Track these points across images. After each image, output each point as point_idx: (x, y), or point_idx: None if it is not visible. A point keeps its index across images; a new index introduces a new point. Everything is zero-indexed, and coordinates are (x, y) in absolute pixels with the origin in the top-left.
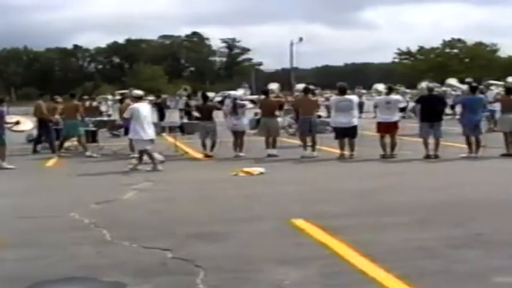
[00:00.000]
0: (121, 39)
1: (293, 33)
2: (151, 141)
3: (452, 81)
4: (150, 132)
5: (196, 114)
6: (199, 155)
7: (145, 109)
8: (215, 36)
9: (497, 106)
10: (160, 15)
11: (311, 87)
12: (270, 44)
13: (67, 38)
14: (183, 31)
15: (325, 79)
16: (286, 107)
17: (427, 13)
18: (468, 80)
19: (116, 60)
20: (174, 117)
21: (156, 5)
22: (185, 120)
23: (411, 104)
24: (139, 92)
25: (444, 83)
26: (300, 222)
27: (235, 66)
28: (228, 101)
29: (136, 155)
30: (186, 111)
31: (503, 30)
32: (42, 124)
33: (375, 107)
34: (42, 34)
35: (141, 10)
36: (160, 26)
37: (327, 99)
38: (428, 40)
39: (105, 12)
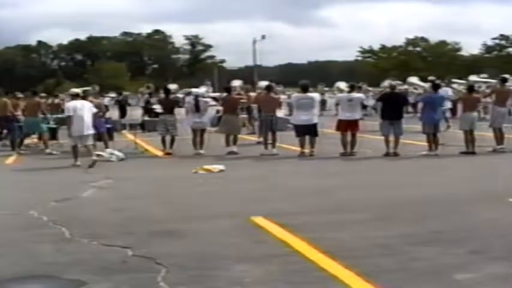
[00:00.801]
0: (82, 36)
1: (254, 31)
2: (82, 137)
3: (413, 79)
4: (79, 129)
5: (158, 109)
6: (159, 153)
7: (79, 106)
8: (177, 33)
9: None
10: (121, 12)
11: (273, 85)
12: (232, 41)
13: (28, 35)
14: (144, 29)
15: (288, 77)
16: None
17: (384, 12)
18: (431, 78)
19: (78, 57)
20: (135, 114)
21: (117, 3)
22: (146, 118)
23: (372, 102)
24: (75, 90)
25: (406, 81)
26: (259, 220)
27: (198, 64)
28: (189, 99)
29: (96, 152)
30: (147, 109)
31: (460, 29)
32: (4, 121)
33: (337, 104)
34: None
35: (102, 7)
36: (121, 23)
37: (289, 96)
38: (387, 38)
39: (66, 9)
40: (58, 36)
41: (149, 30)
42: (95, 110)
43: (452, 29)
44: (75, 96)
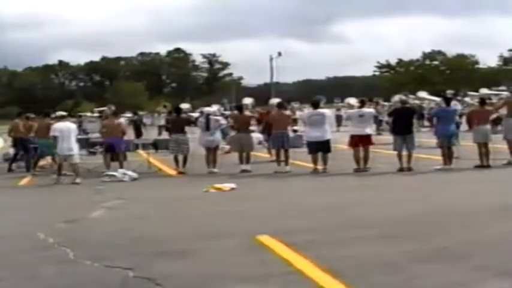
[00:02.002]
0: (99, 57)
1: (268, 48)
2: (67, 156)
3: (423, 94)
4: (65, 148)
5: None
6: (173, 172)
7: (65, 127)
8: (194, 52)
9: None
10: (135, 33)
11: (285, 103)
12: (248, 59)
13: (45, 56)
14: (159, 48)
15: (307, 93)
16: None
17: (397, 26)
18: (449, 91)
19: (96, 77)
20: (149, 134)
21: (130, 23)
22: (158, 137)
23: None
24: (62, 113)
25: (410, 97)
26: (265, 239)
27: (216, 82)
28: (201, 117)
29: (109, 173)
30: (167, 128)
31: (474, 42)
32: (19, 143)
33: (347, 119)
34: (19, 53)
35: (116, 28)
36: (136, 43)
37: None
38: (402, 53)
39: (82, 30)
40: (74, 58)
41: (169, 49)
42: (76, 131)
43: (466, 42)
44: (61, 118)
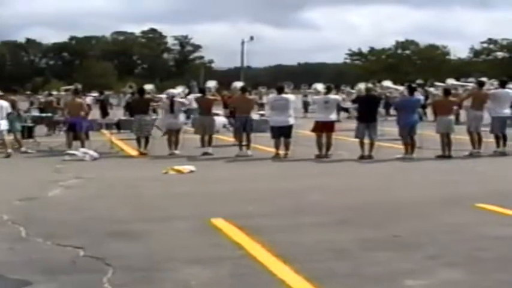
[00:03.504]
0: (70, 36)
1: (238, 32)
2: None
3: (387, 82)
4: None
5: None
6: (135, 153)
7: (5, 105)
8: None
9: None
10: (105, 13)
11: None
12: (218, 43)
13: (15, 32)
14: (131, 29)
15: (277, 78)
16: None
17: (367, 14)
18: (418, 81)
19: (67, 56)
20: (118, 114)
21: (101, 3)
22: (122, 117)
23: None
24: None
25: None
26: (219, 222)
27: (186, 64)
28: (165, 99)
29: (70, 151)
30: (128, 108)
31: (444, 33)
32: None
33: (313, 104)
34: None
35: (86, 8)
36: (107, 24)
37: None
38: (371, 41)
39: (53, 8)
40: (44, 36)
41: (143, 29)
42: (9, 109)
43: (436, 33)
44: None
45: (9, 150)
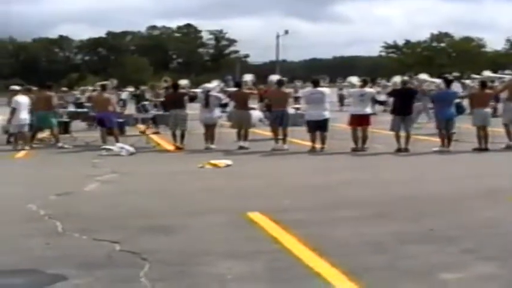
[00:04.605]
0: (105, 31)
1: (271, 26)
2: (24, 125)
3: (424, 76)
4: (22, 118)
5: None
6: (171, 147)
7: (22, 101)
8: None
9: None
10: (138, 9)
11: (284, 79)
12: (254, 37)
13: (51, 29)
14: (165, 24)
15: (313, 72)
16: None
17: (398, 7)
18: (454, 74)
19: (102, 52)
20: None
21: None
22: (158, 112)
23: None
24: (15, 87)
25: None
26: (255, 216)
27: (222, 59)
28: (200, 93)
29: (107, 146)
30: (161, 103)
31: (477, 26)
32: None
33: (348, 98)
34: (26, 25)
35: (118, 3)
36: (139, 20)
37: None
38: (404, 34)
39: (83, 5)
40: (77, 32)
41: (179, 24)
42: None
43: (468, 25)
44: (16, 92)
45: (27, 147)
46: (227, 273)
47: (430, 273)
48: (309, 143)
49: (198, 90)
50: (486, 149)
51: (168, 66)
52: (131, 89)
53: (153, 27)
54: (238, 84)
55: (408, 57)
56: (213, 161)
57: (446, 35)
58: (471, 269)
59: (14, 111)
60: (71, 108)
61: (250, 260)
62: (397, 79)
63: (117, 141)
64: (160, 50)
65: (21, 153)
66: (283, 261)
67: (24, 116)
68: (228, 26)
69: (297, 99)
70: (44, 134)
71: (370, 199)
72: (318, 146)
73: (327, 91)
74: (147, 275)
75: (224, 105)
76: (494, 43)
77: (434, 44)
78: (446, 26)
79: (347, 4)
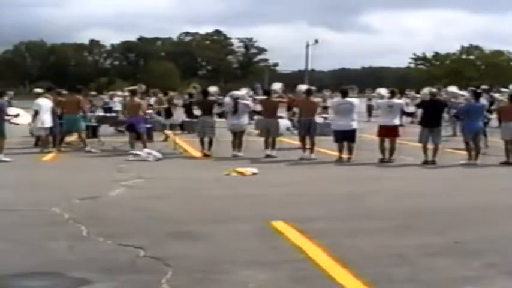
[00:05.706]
0: (135, 37)
1: (299, 35)
2: (46, 128)
3: (453, 88)
4: (46, 121)
5: (196, 111)
6: (198, 154)
7: (44, 103)
8: (231, 35)
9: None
10: (167, 15)
11: (313, 88)
12: (281, 45)
13: (78, 33)
14: (194, 31)
15: (341, 82)
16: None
17: (426, 19)
18: (483, 87)
19: (132, 57)
20: (178, 115)
21: (164, 4)
22: (186, 119)
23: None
24: (38, 90)
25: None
26: (279, 225)
27: (251, 66)
28: (228, 100)
29: (134, 152)
30: (186, 110)
31: (504, 38)
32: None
33: (377, 109)
34: (57, 29)
35: (146, 9)
36: (169, 26)
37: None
38: (431, 46)
39: (111, 10)
40: (103, 37)
41: (208, 31)
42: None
43: (496, 38)
44: (38, 95)
45: (50, 150)
46: (249, 281)
47: (452, 286)
48: (336, 153)
49: (225, 97)
50: None
51: (197, 72)
52: (160, 94)
53: (184, 34)
54: (267, 92)
55: (436, 69)
56: (239, 169)
57: (477, 48)
58: (494, 283)
59: (36, 114)
60: (100, 113)
61: (273, 269)
62: (427, 90)
63: (145, 146)
64: (189, 57)
65: (48, 156)
66: (306, 271)
67: (46, 118)
68: (256, 33)
69: (325, 109)
70: (72, 138)
71: (395, 210)
72: (345, 156)
73: (356, 102)
74: (169, 281)
75: (255, 113)
76: None
77: (464, 56)
78: (474, 38)
79: (373, 14)
